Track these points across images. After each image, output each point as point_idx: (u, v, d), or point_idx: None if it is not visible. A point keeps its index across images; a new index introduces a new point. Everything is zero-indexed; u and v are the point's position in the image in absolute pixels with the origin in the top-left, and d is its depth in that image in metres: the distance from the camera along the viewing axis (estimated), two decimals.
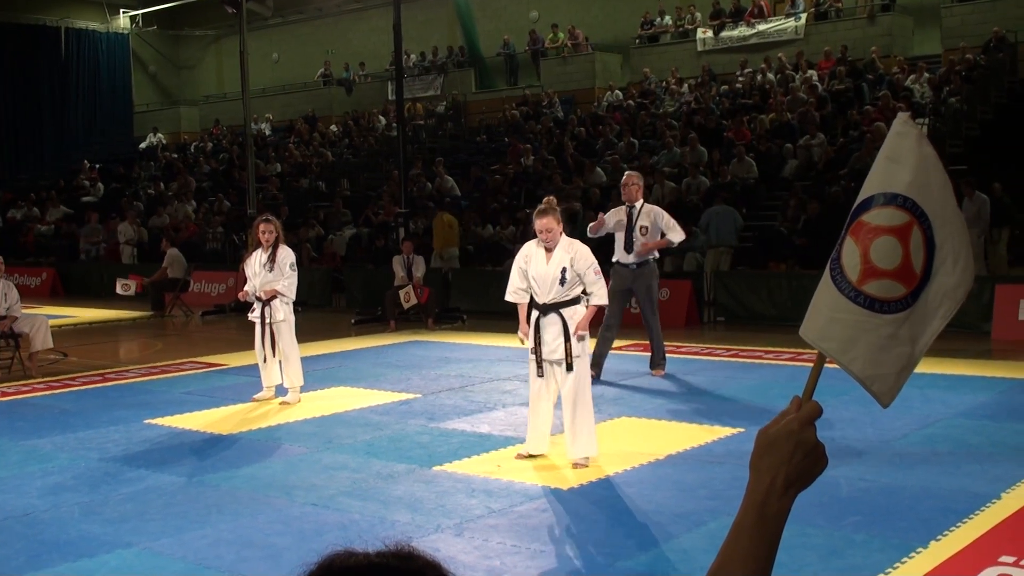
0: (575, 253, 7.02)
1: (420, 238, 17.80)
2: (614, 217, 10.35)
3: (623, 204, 10.36)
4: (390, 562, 1.23)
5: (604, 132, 22.26)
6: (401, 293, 14.72)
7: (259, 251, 9.66)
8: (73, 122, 35.17)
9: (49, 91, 34.52)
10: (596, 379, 9.35)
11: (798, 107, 19.86)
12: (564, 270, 6.96)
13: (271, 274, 9.51)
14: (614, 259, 10.34)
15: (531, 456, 7.17)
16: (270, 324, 9.50)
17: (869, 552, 5.08)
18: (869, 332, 1.58)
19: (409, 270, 15.14)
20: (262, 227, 9.66)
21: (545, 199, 7.29)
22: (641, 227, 10.15)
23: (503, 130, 25.31)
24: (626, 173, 10.69)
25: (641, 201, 10.31)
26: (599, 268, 7.12)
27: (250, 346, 9.98)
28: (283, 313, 9.54)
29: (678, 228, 10.27)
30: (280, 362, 9.64)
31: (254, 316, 9.61)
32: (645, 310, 10.40)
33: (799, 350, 11.63)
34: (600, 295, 7.07)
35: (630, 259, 10.20)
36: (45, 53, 34.22)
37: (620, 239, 10.31)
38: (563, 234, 7.13)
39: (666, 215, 10.36)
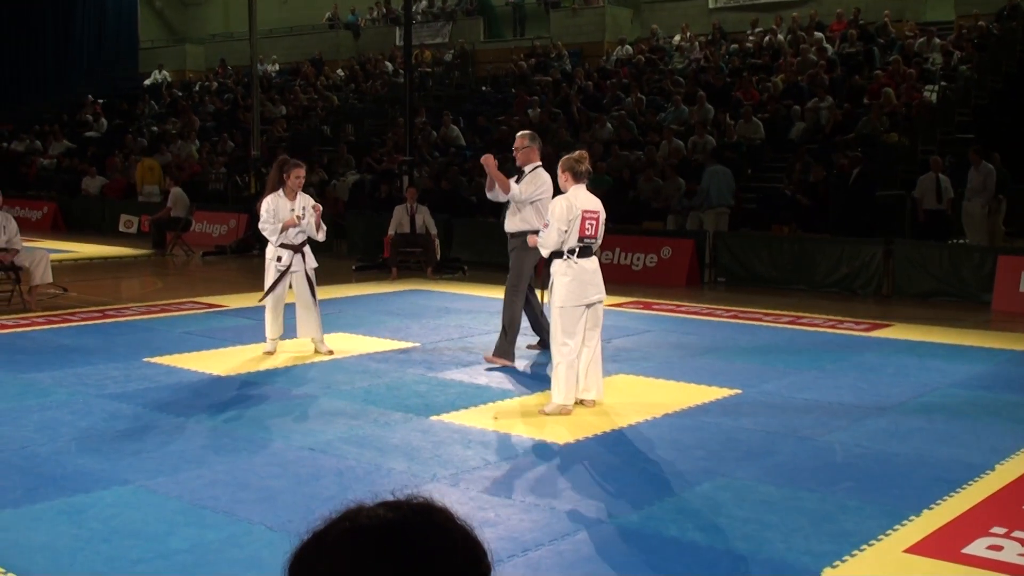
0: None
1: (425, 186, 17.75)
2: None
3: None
4: (409, 519, 1.23)
5: (611, 87, 22.10)
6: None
7: (279, 196, 9.12)
8: (77, 56, 34.81)
9: (53, 23, 34.13)
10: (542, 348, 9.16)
11: (808, 69, 19.71)
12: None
13: (303, 221, 9.18)
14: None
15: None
16: (304, 272, 9.13)
17: (862, 519, 5.10)
18: None
19: (412, 218, 15.09)
20: (299, 172, 9.13)
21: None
22: None
23: (510, 81, 25.12)
24: (518, 134, 9.10)
25: (533, 165, 8.78)
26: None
27: (250, 288, 9.93)
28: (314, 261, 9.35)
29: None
30: (298, 314, 9.27)
31: (281, 264, 9.09)
32: (507, 282, 8.96)
33: (799, 313, 11.64)
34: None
35: (507, 227, 8.97)
36: None
37: None
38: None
39: (548, 199, 8.22)
